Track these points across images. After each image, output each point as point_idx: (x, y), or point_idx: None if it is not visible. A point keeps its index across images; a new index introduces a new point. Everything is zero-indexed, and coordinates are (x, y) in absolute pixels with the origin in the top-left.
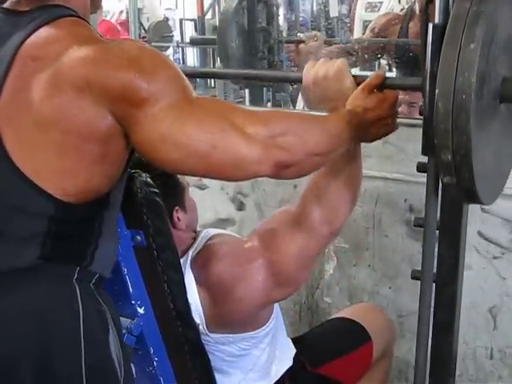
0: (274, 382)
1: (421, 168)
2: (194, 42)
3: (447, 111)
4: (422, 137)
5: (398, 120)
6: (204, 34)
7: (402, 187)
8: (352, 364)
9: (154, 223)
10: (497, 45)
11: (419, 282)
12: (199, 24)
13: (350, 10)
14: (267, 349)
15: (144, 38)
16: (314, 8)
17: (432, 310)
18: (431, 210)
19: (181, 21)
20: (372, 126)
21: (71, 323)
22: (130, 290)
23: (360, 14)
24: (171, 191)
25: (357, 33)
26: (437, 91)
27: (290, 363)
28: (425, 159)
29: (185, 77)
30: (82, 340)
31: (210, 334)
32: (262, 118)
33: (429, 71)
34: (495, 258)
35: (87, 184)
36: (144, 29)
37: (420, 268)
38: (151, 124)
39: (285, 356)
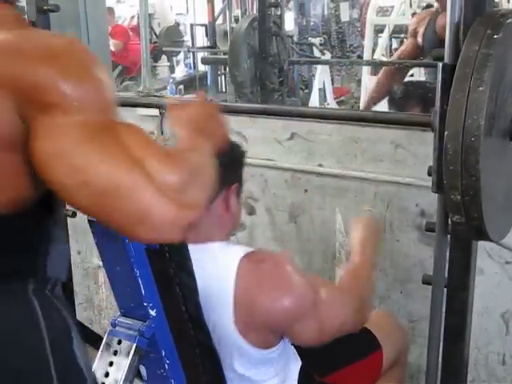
0: None
1: (431, 172)
2: (205, 62)
3: (456, 152)
4: (433, 174)
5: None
6: (215, 39)
7: (413, 192)
8: (360, 373)
9: None
10: (506, 86)
11: (431, 286)
12: (210, 29)
13: (360, 15)
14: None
15: (155, 43)
16: (325, 12)
17: (443, 315)
18: (442, 214)
19: (192, 26)
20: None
21: (35, 340)
22: (143, 292)
23: (371, 18)
24: (232, 166)
25: (368, 37)
26: (446, 133)
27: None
28: None
29: (112, 93)
30: (50, 354)
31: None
32: (176, 166)
33: (438, 110)
34: (508, 262)
35: (17, 194)
36: (155, 34)
37: (431, 273)
38: (52, 133)
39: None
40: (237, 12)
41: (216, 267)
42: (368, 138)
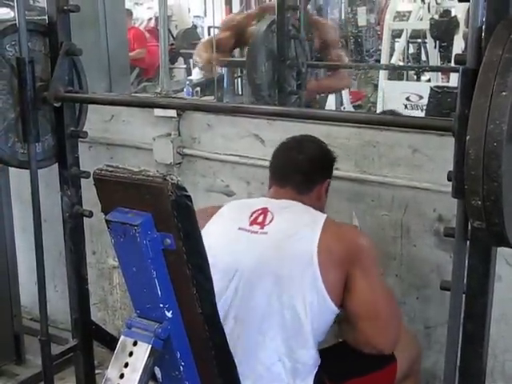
0: None
1: (451, 177)
2: (222, 65)
3: (478, 158)
4: (452, 179)
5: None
6: None
7: (431, 196)
8: (375, 383)
9: (184, 227)
10: None
11: (448, 293)
12: None
13: (377, 19)
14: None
15: (172, 45)
16: (343, 17)
17: (461, 321)
18: (462, 219)
19: (209, 28)
20: None
21: None
22: (159, 293)
23: (389, 23)
24: (325, 168)
25: (385, 41)
26: (468, 137)
27: None
28: None
29: None
30: None
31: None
32: None
33: (459, 115)
34: None
35: None
36: (172, 36)
37: (449, 278)
38: None
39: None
40: None
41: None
42: (386, 143)
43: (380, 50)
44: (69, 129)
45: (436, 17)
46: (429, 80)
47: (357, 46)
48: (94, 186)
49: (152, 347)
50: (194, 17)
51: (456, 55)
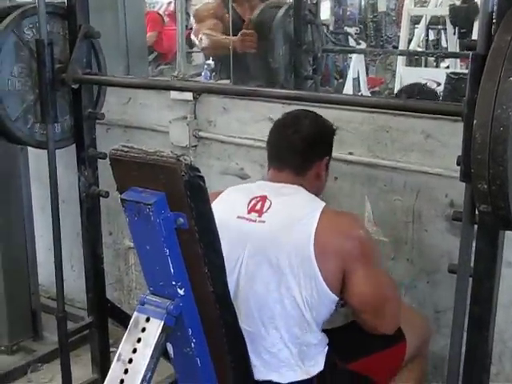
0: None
1: (459, 162)
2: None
3: (484, 142)
4: (461, 163)
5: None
6: None
7: (443, 182)
8: (383, 362)
9: (197, 206)
10: None
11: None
12: None
13: (397, 5)
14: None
15: (191, 29)
16: (362, 2)
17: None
18: (469, 203)
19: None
20: None
21: None
22: (172, 271)
23: (408, 8)
24: (324, 145)
25: (404, 27)
26: (475, 122)
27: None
28: None
29: None
30: None
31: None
32: None
33: (467, 99)
34: None
35: None
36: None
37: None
38: None
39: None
40: None
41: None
42: (399, 128)
43: (399, 37)
44: (86, 110)
45: (457, 3)
46: (447, 67)
47: (376, 32)
48: (110, 165)
49: (164, 323)
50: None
51: (467, 41)
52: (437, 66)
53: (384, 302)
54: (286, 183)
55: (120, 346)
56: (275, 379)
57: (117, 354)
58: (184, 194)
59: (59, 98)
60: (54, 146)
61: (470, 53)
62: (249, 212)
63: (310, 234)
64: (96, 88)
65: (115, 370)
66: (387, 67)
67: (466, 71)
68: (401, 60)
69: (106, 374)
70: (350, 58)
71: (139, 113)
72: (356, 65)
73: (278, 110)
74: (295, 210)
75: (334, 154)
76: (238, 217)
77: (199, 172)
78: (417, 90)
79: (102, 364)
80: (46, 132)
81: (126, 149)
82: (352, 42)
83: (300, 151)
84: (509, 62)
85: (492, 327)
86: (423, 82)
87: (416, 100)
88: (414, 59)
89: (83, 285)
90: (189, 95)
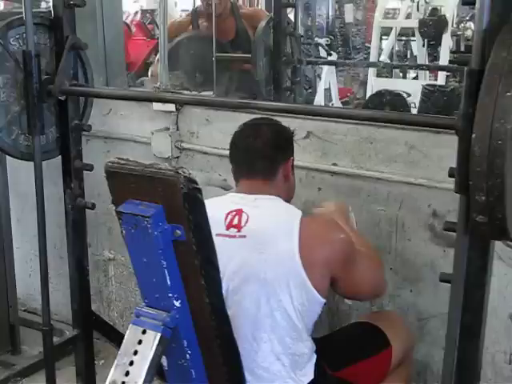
0: None
1: (451, 173)
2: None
3: (483, 155)
4: (456, 175)
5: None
6: None
7: (426, 192)
8: (371, 369)
9: (195, 219)
10: None
11: (441, 286)
12: None
13: (365, 17)
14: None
15: (158, 38)
16: (330, 13)
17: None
18: (463, 214)
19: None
20: None
21: None
22: (168, 283)
23: (378, 20)
24: (285, 146)
25: (375, 39)
26: (473, 136)
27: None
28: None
29: None
30: None
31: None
32: None
33: (462, 113)
34: None
35: None
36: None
37: (442, 272)
38: None
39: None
40: None
41: (282, 215)
42: (383, 139)
43: (366, 48)
44: (73, 122)
45: (424, 15)
46: (416, 77)
47: (344, 43)
48: (106, 178)
49: (161, 336)
50: (182, 10)
51: (457, 56)
52: (404, 77)
53: (373, 285)
54: (259, 193)
55: (116, 359)
56: None
57: (113, 367)
58: (182, 207)
59: (45, 109)
60: (42, 158)
61: (465, 68)
62: (227, 228)
63: (293, 244)
64: (82, 99)
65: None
66: (356, 78)
67: (437, 83)
68: (372, 71)
69: None
70: (320, 68)
71: (120, 124)
72: (328, 76)
73: None
74: (274, 222)
75: (319, 165)
76: (217, 234)
77: (197, 184)
78: (386, 99)
79: (88, 377)
80: (32, 144)
81: (122, 161)
82: (323, 53)
83: (265, 155)
84: (505, 78)
85: (483, 335)
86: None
87: (409, 114)
88: (384, 70)
89: (61, 297)
90: (171, 106)
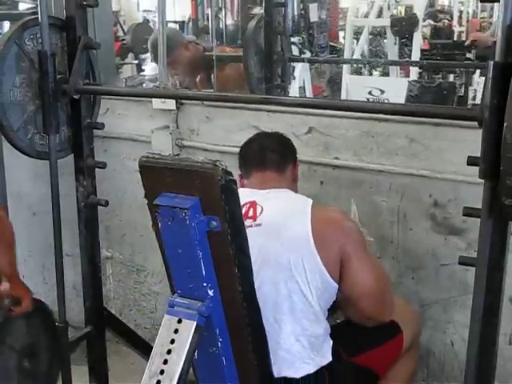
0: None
1: (471, 162)
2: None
3: None
4: (481, 163)
5: (424, 120)
6: (197, 37)
7: (427, 183)
8: (385, 355)
9: (230, 209)
10: None
11: (441, 273)
12: (194, 26)
13: (328, 16)
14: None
15: (123, 40)
16: (295, 12)
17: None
18: (488, 199)
19: (166, 23)
20: None
21: None
22: (203, 272)
23: (351, 19)
24: (292, 149)
25: (348, 37)
26: (505, 124)
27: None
28: (477, 153)
29: None
30: None
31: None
32: None
33: (489, 104)
34: None
35: None
36: (123, 31)
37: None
38: None
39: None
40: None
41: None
42: (384, 133)
43: (331, 47)
44: (85, 120)
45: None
46: (384, 74)
47: (309, 41)
48: (140, 172)
49: (197, 324)
50: (144, 11)
51: (477, 51)
52: (370, 74)
53: (381, 286)
54: (271, 188)
55: (153, 349)
56: (290, 375)
57: (151, 357)
58: (219, 198)
59: (58, 108)
60: (56, 157)
61: (490, 62)
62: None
63: (307, 228)
64: (91, 98)
65: (150, 372)
66: (323, 75)
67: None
68: (346, 68)
69: (105, 383)
70: (293, 66)
71: (118, 123)
72: (302, 73)
73: (263, 118)
74: (287, 209)
75: (321, 159)
76: None
77: (232, 176)
78: None
79: (100, 373)
80: (48, 142)
81: (156, 156)
82: (296, 52)
83: (276, 149)
84: None
85: (500, 315)
86: (367, 89)
87: (429, 105)
88: (358, 68)
89: (55, 297)
90: (172, 105)
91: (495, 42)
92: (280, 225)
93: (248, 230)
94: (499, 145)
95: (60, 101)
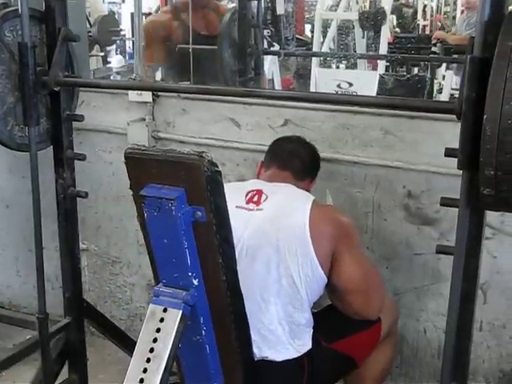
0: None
1: (448, 153)
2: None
3: (494, 134)
4: (459, 154)
5: (399, 112)
6: None
7: (401, 174)
8: (363, 342)
9: (215, 200)
10: None
11: (415, 262)
12: None
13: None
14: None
15: (89, 32)
16: (262, 5)
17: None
18: (466, 188)
19: (132, 15)
20: None
21: None
22: (189, 262)
23: (320, 12)
24: (317, 166)
25: (317, 30)
26: (485, 116)
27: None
28: (452, 145)
29: None
30: None
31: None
32: None
33: (465, 98)
34: (487, 238)
35: None
36: (89, 23)
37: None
38: None
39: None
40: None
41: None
42: (359, 125)
43: (298, 39)
44: (65, 112)
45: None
46: (355, 67)
47: (276, 34)
48: (125, 164)
49: (182, 313)
50: (109, 3)
51: (455, 46)
52: (338, 67)
53: (370, 281)
54: (282, 182)
55: (139, 338)
56: (271, 356)
57: (137, 345)
58: (204, 189)
59: (38, 100)
60: (37, 149)
61: (467, 56)
62: (247, 203)
63: (305, 219)
64: (69, 91)
65: (137, 360)
66: (289, 68)
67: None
68: (315, 61)
69: (85, 375)
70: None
71: (93, 115)
72: (271, 66)
73: (239, 111)
74: (289, 201)
75: None
76: (237, 206)
77: (218, 167)
78: None
79: (80, 364)
80: (29, 134)
81: (142, 148)
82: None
83: (304, 160)
84: None
85: (475, 300)
86: (336, 82)
87: (410, 99)
88: (325, 61)
89: (29, 290)
90: (148, 97)
91: (472, 37)
92: (280, 212)
93: (249, 213)
94: (477, 136)
95: (40, 93)
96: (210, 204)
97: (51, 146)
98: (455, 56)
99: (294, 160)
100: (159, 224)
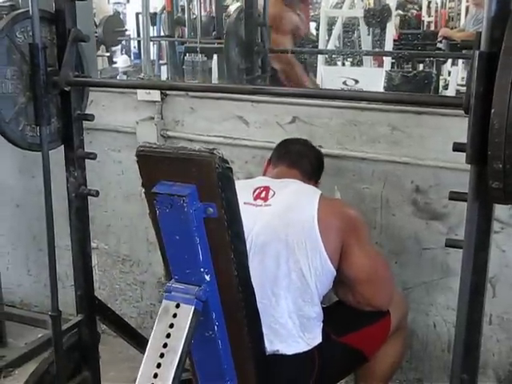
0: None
1: (457, 148)
2: (190, 50)
3: (501, 127)
4: (468, 148)
5: (406, 108)
6: (173, 29)
7: (409, 170)
8: (372, 335)
9: (227, 197)
10: None
11: (424, 256)
12: (169, 20)
13: None
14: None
15: (95, 33)
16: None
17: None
18: (475, 182)
19: (137, 15)
20: None
21: None
22: (201, 258)
23: (325, 10)
24: (322, 170)
25: (323, 28)
26: (493, 111)
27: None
28: (459, 140)
29: None
30: None
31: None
32: None
33: (475, 92)
34: (496, 232)
35: None
36: (95, 23)
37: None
38: None
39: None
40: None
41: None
42: (366, 122)
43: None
44: (75, 112)
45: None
46: (355, 64)
47: None
48: (137, 162)
49: (195, 308)
50: (114, 3)
51: (462, 41)
52: (343, 65)
53: (380, 271)
54: (289, 178)
55: (152, 334)
56: (282, 350)
57: (150, 341)
58: (216, 185)
59: (49, 100)
60: (48, 148)
61: (476, 51)
62: (255, 199)
63: (313, 213)
64: (80, 90)
65: (150, 356)
66: None
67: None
68: (321, 59)
69: (97, 372)
70: None
71: (102, 115)
72: None
73: (247, 109)
74: (297, 196)
75: None
76: (245, 203)
77: (229, 164)
78: None
79: (92, 362)
80: (40, 134)
81: (154, 146)
82: None
83: (312, 162)
84: None
85: (485, 294)
86: (342, 79)
87: (417, 94)
88: (331, 59)
89: (40, 289)
90: (156, 96)
91: (479, 33)
92: (288, 207)
93: (257, 209)
94: (486, 131)
95: (51, 93)
96: (221, 200)
97: (61, 146)
98: (462, 52)
99: (303, 160)
100: (171, 221)
